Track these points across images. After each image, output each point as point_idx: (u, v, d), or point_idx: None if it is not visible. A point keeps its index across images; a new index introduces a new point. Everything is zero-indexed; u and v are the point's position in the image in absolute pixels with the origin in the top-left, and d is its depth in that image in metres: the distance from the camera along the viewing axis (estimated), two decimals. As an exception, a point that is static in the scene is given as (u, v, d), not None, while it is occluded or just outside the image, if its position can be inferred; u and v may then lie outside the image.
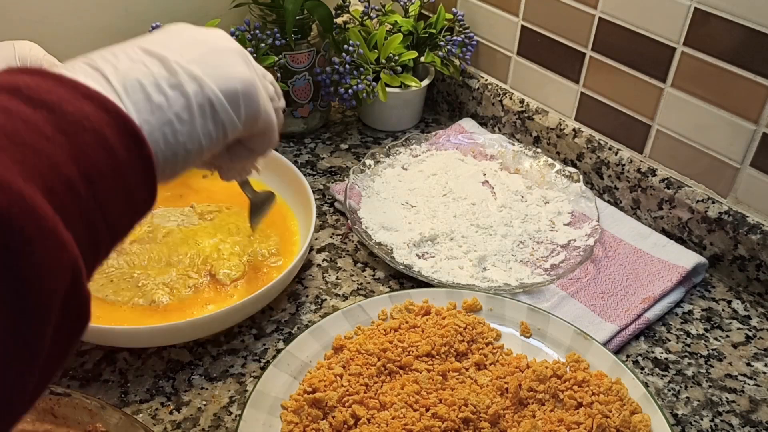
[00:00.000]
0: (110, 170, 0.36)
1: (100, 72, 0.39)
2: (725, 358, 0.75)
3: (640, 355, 0.75)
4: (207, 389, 0.69)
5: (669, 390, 0.72)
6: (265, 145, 0.51)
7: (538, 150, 0.97)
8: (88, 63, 0.39)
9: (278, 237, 0.83)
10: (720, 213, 0.83)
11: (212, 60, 0.44)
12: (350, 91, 0.97)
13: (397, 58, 1.00)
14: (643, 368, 0.74)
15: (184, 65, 0.42)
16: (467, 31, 1.02)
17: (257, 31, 0.92)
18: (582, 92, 0.93)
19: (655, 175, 0.88)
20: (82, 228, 0.34)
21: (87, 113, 0.35)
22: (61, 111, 0.34)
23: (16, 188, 0.30)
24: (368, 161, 0.95)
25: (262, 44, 0.92)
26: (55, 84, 0.35)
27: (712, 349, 0.76)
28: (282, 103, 0.55)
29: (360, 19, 1.04)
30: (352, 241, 0.88)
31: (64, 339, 0.34)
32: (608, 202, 0.94)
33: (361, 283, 0.82)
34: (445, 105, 1.12)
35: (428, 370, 0.68)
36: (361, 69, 0.98)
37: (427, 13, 1.08)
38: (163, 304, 0.73)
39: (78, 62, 0.39)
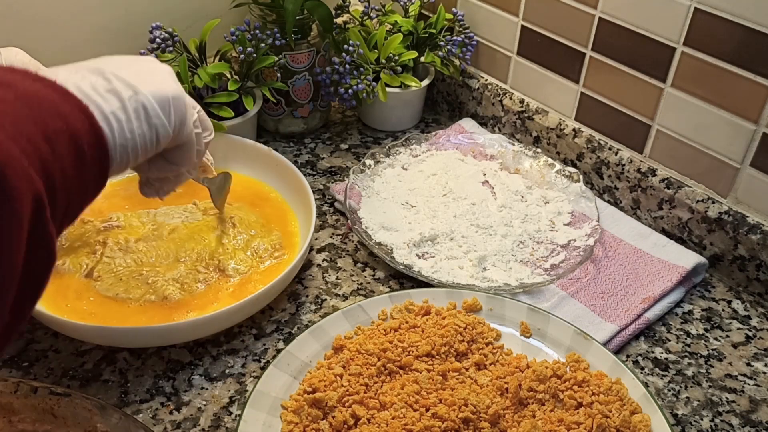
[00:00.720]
0: (66, 135, 0.42)
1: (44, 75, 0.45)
2: (725, 358, 0.75)
3: (640, 355, 0.75)
4: (207, 389, 0.69)
5: (669, 390, 0.72)
6: (184, 159, 0.58)
7: (538, 150, 0.97)
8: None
9: (280, 232, 0.83)
10: (720, 213, 0.83)
11: (145, 75, 0.50)
12: (350, 91, 0.97)
13: (397, 58, 1.00)
14: (643, 368, 0.74)
15: (120, 75, 0.48)
16: (467, 31, 1.02)
17: (257, 31, 0.92)
18: (582, 92, 0.93)
19: (655, 175, 0.88)
20: (43, 175, 0.39)
21: (39, 89, 0.42)
22: (17, 87, 0.41)
23: None
24: (368, 161, 0.95)
25: (262, 44, 0.92)
26: (10, 71, 0.43)
27: (712, 349, 0.76)
28: (210, 136, 0.61)
29: (360, 19, 1.04)
30: (352, 241, 0.88)
31: (32, 275, 0.39)
32: (608, 202, 0.94)
33: (361, 283, 0.82)
34: (445, 105, 1.12)
35: (428, 370, 0.68)
36: (361, 69, 0.98)
37: (427, 13, 1.08)
38: (175, 300, 0.73)
39: None
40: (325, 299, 0.80)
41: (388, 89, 1.00)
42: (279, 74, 0.96)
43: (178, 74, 0.85)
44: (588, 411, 0.65)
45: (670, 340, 0.77)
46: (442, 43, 1.02)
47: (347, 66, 0.98)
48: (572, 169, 0.94)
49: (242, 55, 0.92)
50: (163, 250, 0.78)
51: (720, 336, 0.78)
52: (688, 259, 0.83)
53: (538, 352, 0.72)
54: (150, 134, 0.50)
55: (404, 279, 0.83)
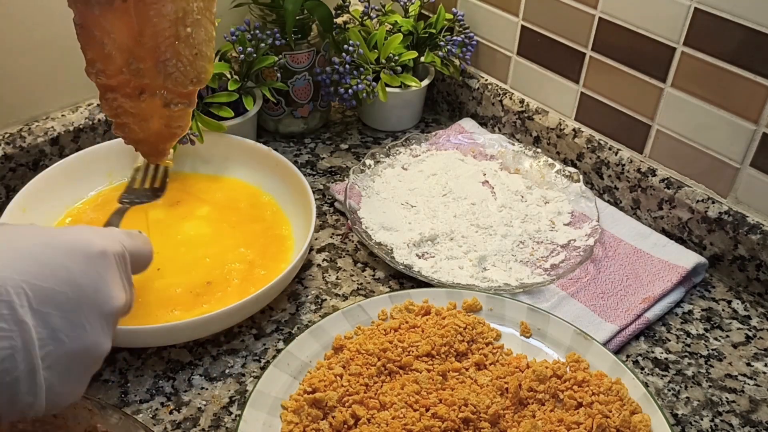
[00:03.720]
0: None
1: None
2: (725, 358, 0.75)
3: (640, 355, 0.75)
4: (207, 389, 0.69)
5: (669, 390, 0.72)
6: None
7: (538, 150, 0.97)
8: None
9: (269, 240, 0.83)
10: (720, 213, 0.83)
11: None
12: (350, 91, 0.97)
13: (397, 58, 1.00)
14: (643, 368, 0.74)
15: None
16: (467, 31, 1.02)
17: (257, 31, 0.92)
18: (582, 92, 0.93)
19: (655, 175, 0.88)
20: None
21: None
22: None
23: None
24: (368, 161, 0.95)
25: (262, 44, 0.92)
26: None
27: (712, 349, 0.76)
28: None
29: (360, 19, 1.04)
30: (352, 241, 0.88)
31: None
32: (608, 202, 0.94)
33: (361, 283, 0.82)
34: (445, 105, 1.12)
35: (428, 370, 0.68)
36: (361, 69, 0.98)
37: (427, 13, 1.08)
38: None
39: None
40: (325, 299, 0.80)
41: (388, 89, 1.00)
42: (279, 74, 0.96)
43: None
44: (588, 411, 0.65)
45: (670, 340, 0.77)
46: (442, 43, 1.02)
47: (347, 66, 0.98)
48: (572, 169, 0.94)
49: (242, 55, 0.92)
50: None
51: (720, 336, 0.78)
52: (688, 259, 0.83)
53: (538, 352, 0.72)
54: None
55: (404, 279, 0.83)
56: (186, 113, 0.68)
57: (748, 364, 0.75)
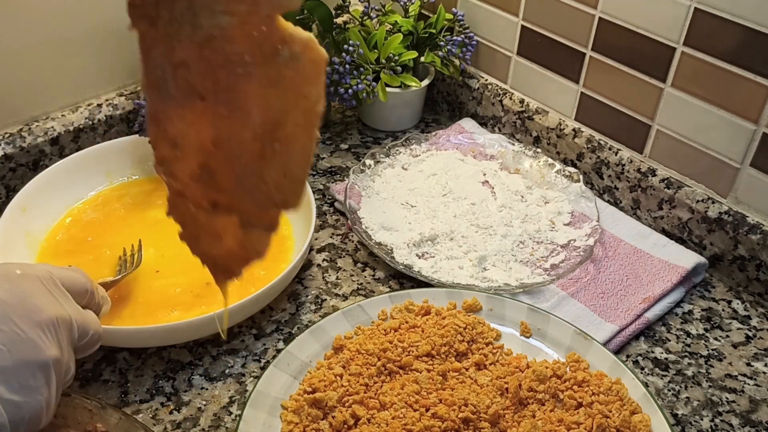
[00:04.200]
0: None
1: None
2: (725, 358, 0.75)
3: (640, 355, 0.75)
4: (207, 389, 0.69)
5: (669, 390, 0.72)
6: None
7: (538, 150, 0.97)
8: None
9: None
10: (720, 213, 0.83)
11: None
12: (350, 91, 0.97)
13: (397, 58, 1.00)
14: (643, 368, 0.74)
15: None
16: (467, 31, 1.02)
17: (257, 31, 0.92)
18: (582, 92, 0.93)
19: (655, 175, 0.88)
20: None
21: None
22: None
23: None
24: (368, 161, 0.95)
25: (262, 44, 0.92)
26: None
27: (712, 349, 0.76)
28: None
29: (360, 19, 1.04)
30: (352, 241, 0.88)
31: None
32: (608, 202, 0.94)
33: (361, 283, 0.82)
34: (445, 105, 1.12)
35: (428, 370, 0.68)
36: (361, 69, 0.98)
37: (427, 13, 1.08)
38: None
39: None
40: (325, 299, 0.80)
41: (388, 89, 1.00)
42: (279, 74, 0.96)
43: None
44: (588, 411, 0.65)
45: (670, 340, 0.77)
46: (442, 43, 1.02)
47: (347, 66, 0.98)
48: (572, 169, 0.94)
49: (242, 55, 0.92)
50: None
51: (720, 336, 0.78)
52: (688, 259, 0.83)
53: (538, 352, 0.72)
54: None
55: (404, 279, 0.83)
56: (266, 238, 0.56)
57: (748, 364, 0.75)
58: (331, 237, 0.88)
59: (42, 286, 0.52)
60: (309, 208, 0.80)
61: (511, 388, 0.66)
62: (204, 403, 0.68)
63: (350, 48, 0.97)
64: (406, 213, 0.89)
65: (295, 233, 0.83)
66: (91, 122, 0.93)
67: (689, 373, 0.73)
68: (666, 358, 0.75)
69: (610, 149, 0.92)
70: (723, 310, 0.81)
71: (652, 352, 0.76)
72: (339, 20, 1.04)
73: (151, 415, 0.67)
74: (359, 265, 0.84)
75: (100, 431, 0.57)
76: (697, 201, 0.84)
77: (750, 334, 0.78)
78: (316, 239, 0.88)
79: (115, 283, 0.72)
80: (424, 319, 0.73)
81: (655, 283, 0.80)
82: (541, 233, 0.87)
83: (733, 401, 0.71)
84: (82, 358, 0.56)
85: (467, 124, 1.05)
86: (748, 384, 0.72)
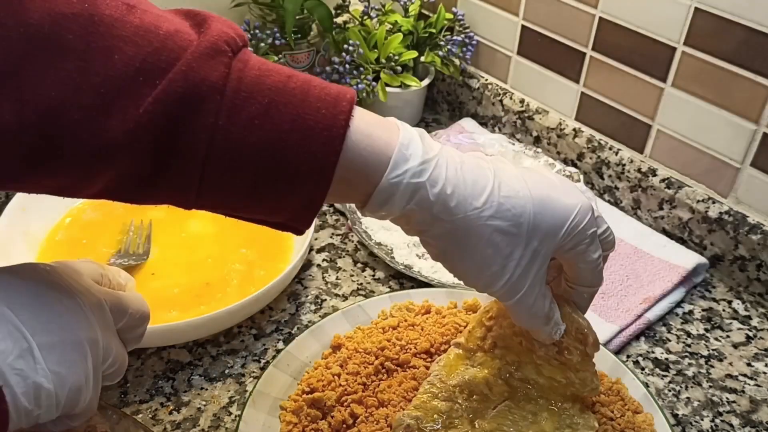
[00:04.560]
0: None
1: None
2: (726, 358, 0.75)
3: (640, 355, 0.75)
4: (207, 389, 0.69)
5: (669, 390, 0.72)
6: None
7: (538, 150, 0.97)
8: None
9: (278, 244, 0.83)
10: (720, 213, 0.82)
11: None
12: (350, 90, 0.97)
13: (397, 57, 1.00)
14: (643, 368, 0.74)
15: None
16: (467, 30, 1.02)
17: (257, 31, 0.92)
18: (582, 92, 0.93)
19: (655, 175, 0.88)
20: None
21: None
22: None
23: None
24: (368, 161, 0.95)
25: (262, 44, 0.92)
26: None
27: (713, 350, 0.76)
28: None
29: (360, 19, 1.04)
30: (352, 241, 0.88)
31: None
32: (608, 202, 0.94)
33: (361, 283, 0.82)
34: (445, 105, 1.12)
35: (426, 367, 0.68)
36: (361, 69, 0.98)
37: (427, 12, 1.08)
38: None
39: None
40: (325, 299, 0.80)
41: (388, 89, 1.00)
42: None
43: None
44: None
45: (670, 341, 0.77)
46: (442, 42, 1.02)
47: (347, 66, 0.98)
48: (572, 169, 0.93)
49: (242, 55, 0.92)
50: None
51: (720, 336, 0.78)
52: (688, 259, 0.82)
53: (539, 353, 0.72)
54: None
55: (404, 279, 0.82)
56: None
57: (749, 365, 0.74)
58: (331, 237, 0.88)
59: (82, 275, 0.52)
60: (309, 208, 0.80)
61: (511, 388, 0.66)
62: (204, 403, 0.68)
63: (350, 48, 0.97)
64: (406, 213, 0.89)
65: (295, 233, 0.83)
66: (90, 122, 0.92)
67: (689, 373, 0.73)
68: (666, 359, 0.75)
69: (610, 149, 0.92)
70: (723, 311, 0.81)
71: (653, 353, 0.75)
72: (339, 20, 1.04)
73: (150, 416, 0.67)
74: (359, 265, 0.84)
75: (100, 431, 0.57)
76: (698, 201, 0.84)
77: (750, 334, 0.78)
78: (315, 239, 0.87)
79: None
80: (423, 318, 0.73)
81: (656, 283, 0.80)
82: (542, 233, 0.87)
83: (734, 401, 0.71)
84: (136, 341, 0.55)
85: (467, 123, 1.05)
86: (749, 384, 0.72)
